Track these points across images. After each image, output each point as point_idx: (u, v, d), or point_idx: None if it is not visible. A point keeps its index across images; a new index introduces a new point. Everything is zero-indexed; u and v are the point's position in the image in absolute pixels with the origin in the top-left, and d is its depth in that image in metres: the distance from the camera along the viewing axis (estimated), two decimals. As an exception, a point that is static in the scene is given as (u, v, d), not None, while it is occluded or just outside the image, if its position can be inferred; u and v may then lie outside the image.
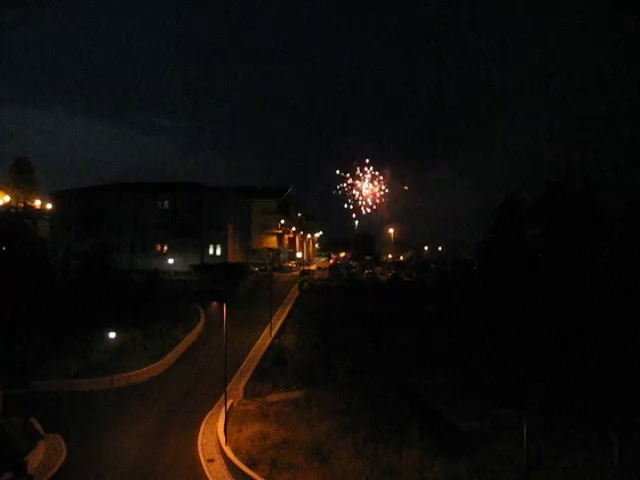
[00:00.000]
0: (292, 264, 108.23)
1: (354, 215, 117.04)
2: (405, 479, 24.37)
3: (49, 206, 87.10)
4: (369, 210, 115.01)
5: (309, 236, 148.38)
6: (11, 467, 21.92)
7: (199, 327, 52.89)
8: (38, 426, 29.48)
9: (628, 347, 39.89)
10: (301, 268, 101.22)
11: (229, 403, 31.66)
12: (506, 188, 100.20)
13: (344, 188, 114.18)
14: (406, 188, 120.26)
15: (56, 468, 26.18)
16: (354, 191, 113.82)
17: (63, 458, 27.22)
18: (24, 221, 77.80)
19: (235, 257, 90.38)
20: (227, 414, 30.01)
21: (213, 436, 29.71)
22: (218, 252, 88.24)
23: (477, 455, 26.17)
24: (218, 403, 33.65)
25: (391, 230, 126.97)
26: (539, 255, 58.66)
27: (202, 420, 32.09)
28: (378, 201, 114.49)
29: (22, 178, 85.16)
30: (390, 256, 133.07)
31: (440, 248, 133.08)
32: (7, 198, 77.70)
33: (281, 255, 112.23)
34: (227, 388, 31.80)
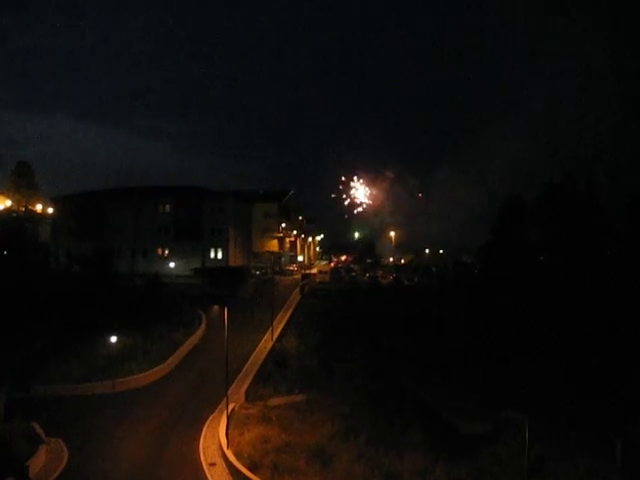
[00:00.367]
0: (293, 267, 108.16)
1: (346, 216, 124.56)
2: (407, 482, 24.31)
3: (50, 210, 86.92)
4: (360, 209, 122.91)
5: (310, 239, 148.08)
6: (12, 471, 21.88)
7: (200, 331, 52.83)
8: (39, 430, 29.37)
9: (629, 347, 39.87)
10: (302, 271, 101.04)
11: (231, 407, 31.66)
12: (508, 190, 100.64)
13: (340, 191, 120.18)
14: (420, 195, 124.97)
15: (57, 472, 26.07)
16: (348, 192, 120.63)
17: (64, 462, 27.11)
18: (25, 225, 77.86)
19: (236, 261, 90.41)
20: (229, 418, 30.01)
21: (215, 440, 29.64)
22: (219, 256, 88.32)
23: (479, 458, 26.18)
24: (220, 407, 33.57)
25: (392, 233, 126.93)
26: (540, 255, 58.75)
27: (204, 424, 32.01)
28: (370, 202, 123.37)
29: (23, 182, 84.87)
30: (391, 259, 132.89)
31: (441, 251, 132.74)
32: (8, 202, 77.56)
33: (282, 258, 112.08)
34: (229, 392, 31.79)
